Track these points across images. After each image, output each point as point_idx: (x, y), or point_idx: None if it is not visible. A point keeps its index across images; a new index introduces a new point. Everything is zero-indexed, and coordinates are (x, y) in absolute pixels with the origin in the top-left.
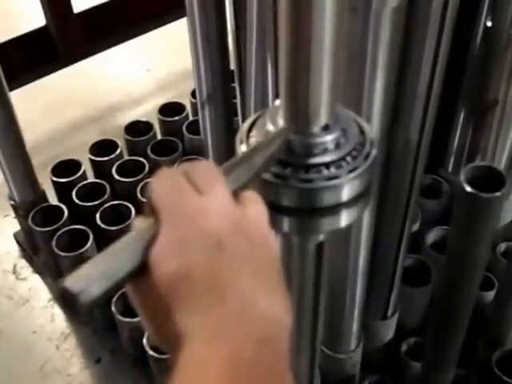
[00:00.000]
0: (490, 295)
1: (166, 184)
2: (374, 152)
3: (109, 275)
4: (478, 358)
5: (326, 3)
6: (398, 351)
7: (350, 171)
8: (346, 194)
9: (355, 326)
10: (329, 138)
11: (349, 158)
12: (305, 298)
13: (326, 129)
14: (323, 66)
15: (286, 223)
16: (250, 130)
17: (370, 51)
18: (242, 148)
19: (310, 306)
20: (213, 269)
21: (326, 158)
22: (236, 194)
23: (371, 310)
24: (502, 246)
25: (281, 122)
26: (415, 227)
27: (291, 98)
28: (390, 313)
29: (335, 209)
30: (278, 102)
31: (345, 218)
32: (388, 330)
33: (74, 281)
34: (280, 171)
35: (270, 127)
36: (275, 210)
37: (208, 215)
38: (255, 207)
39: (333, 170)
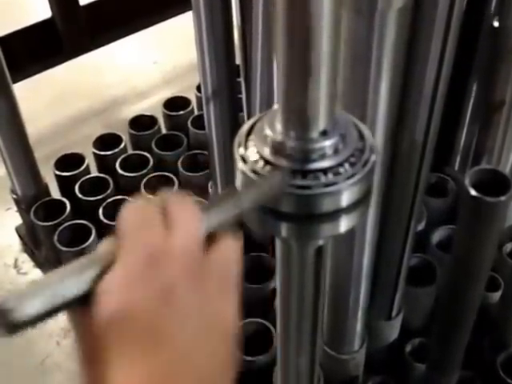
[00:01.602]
0: (496, 296)
1: (135, 213)
2: (373, 158)
3: (51, 297)
4: (482, 359)
5: (323, 5)
6: (402, 352)
7: (348, 178)
8: (344, 200)
9: (359, 327)
10: (327, 144)
11: (347, 165)
12: (305, 301)
13: (325, 134)
14: (322, 70)
15: (284, 229)
16: (248, 133)
17: (375, 52)
18: (241, 151)
19: (310, 310)
20: (154, 318)
21: (324, 164)
22: (212, 236)
23: (375, 310)
24: (508, 247)
25: (278, 127)
26: (421, 226)
27: (289, 102)
28: (394, 313)
29: (334, 215)
30: (276, 106)
31: (344, 224)
32: (392, 331)
33: (11, 298)
34: None
35: (268, 132)
36: (273, 215)
37: (167, 257)
38: (226, 254)
39: (330, 176)
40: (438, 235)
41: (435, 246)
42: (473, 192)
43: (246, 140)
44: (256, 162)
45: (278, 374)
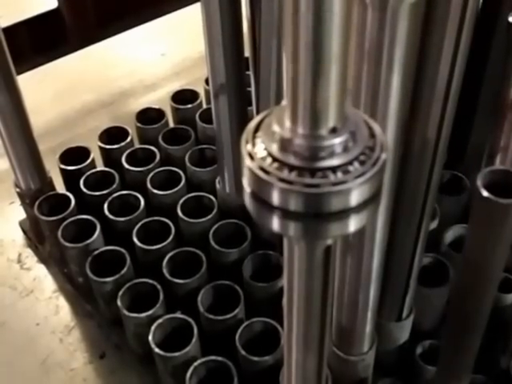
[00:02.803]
0: (510, 298)
1: None
2: (383, 156)
3: None
4: (495, 363)
5: None
6: (412, 354)
7: (358, 176)
8: (353, 199)
9: (368, 328)
10: (336, 142)
11: (356, 163)
12: (312, 301)
13: (334, 131)
14: (332, 65)
15: (292, 228)
16: (256, 129)
17: (387, 48)
18: (248, 148)
19: (318, 310)
20: None
21: (333, 162)
22: None
23: (385, 310)
24: None
25: (287, 123)
26: (434, 225)
27: (297, 98)
28: (405, 314)
29: (343, 214)
30: (284, 102)
31: (353, 223)
32: (403, 332)
33: None
34: (285, 175)
35: (276, 128)
36: (281, 214)
37: None
38: None
39: (339, 174)
40: (451, 234)
41: (448, 246)
42: (484, 193)
43: (254, 136)
44: (263, 158)
45: (284, 374)
